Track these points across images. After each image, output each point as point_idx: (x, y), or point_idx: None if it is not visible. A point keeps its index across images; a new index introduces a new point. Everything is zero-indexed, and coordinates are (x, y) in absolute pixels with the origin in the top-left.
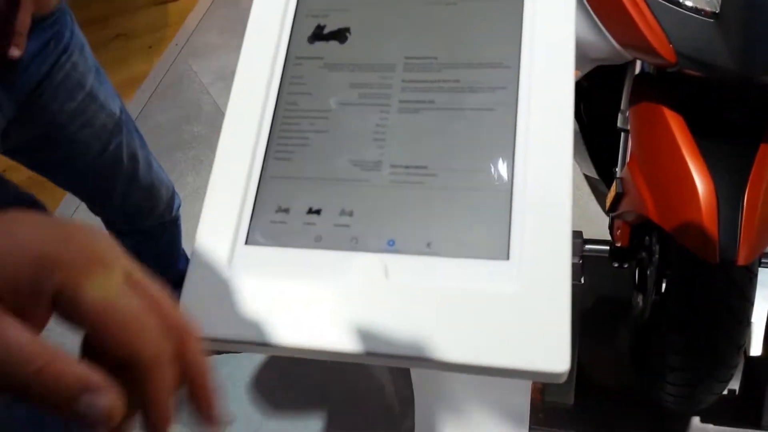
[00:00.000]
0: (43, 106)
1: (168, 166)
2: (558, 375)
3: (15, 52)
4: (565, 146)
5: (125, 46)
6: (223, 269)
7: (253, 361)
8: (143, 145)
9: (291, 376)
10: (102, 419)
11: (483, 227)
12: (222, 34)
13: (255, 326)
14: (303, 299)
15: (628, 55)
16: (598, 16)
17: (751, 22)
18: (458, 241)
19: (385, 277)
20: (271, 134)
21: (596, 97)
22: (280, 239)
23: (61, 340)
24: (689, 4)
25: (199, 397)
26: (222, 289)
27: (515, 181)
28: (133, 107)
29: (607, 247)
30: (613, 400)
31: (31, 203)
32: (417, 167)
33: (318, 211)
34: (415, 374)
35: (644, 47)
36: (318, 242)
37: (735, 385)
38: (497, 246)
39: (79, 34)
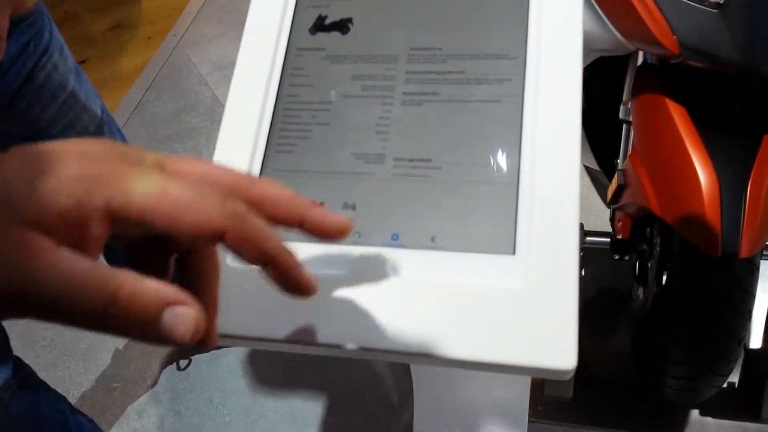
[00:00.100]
0: (25, 109)
1: None
2: (564, 372)
3: None
4: (572, 139)
5: (124, 37)
6: (223, 264)
7: (253, 353)
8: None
9: (290, 368)
10: (187, 333)
11: (488, 221)
12: (220, 25)
13: (256, 321)
14: None
15: (630, 46)
16: (601, 7)
17: (755, 14)
18: (463, 235)
19: (388, 272)
20: (272, 127)
21: (598, 88)
22: (282, 233)
23: (61, 340)
24: None
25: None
26: (222, 284)
27: (522, 174)
28: (131, 98)
29: (608, 239)
30: (612, 392)
31: None
32: (421, 160)
33: (320, 205)
34: (414, 367)
35: (648, 38)
36: None
37: (734, 378)
38: (503, 241)
39: (58, 35)
